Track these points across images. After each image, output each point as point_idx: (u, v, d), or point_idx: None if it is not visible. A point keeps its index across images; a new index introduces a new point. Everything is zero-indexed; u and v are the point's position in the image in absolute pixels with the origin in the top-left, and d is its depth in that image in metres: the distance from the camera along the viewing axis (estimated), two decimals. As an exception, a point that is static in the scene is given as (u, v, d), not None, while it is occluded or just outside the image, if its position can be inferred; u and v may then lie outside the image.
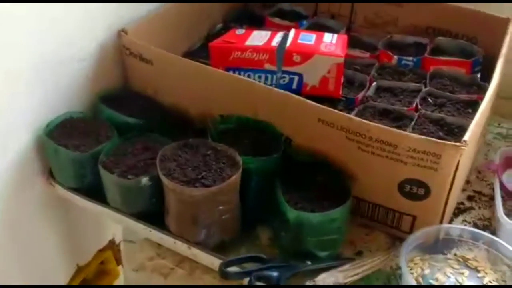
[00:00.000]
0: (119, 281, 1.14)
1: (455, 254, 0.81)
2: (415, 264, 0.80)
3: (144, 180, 0.79)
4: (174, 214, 0.78)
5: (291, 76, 0.91)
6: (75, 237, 1.03)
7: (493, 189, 0.89)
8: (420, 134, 0.82)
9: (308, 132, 0.81)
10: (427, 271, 0.78)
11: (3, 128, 0.83)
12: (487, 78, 0.89)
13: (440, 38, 1.04)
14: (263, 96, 0.83)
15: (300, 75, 0.91)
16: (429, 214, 0.79)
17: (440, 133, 0.84)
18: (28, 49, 0.83)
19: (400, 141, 0.74)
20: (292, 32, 0.94)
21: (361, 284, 0.76)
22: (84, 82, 0.93)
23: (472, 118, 0.77)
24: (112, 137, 0.86)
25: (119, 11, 0.96)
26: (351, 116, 0.77)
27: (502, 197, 0.87)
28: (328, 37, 0.93)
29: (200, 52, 1.06)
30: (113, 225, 1.10)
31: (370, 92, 0.94)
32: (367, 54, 1.04)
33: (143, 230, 0.82)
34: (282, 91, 0.82)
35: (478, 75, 0.96)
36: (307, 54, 0.89)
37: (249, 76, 0.92)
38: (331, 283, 0.72)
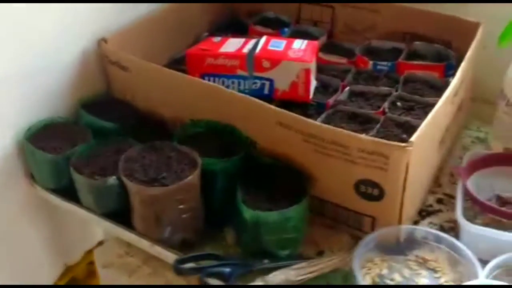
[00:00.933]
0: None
1: (416, 256, 0.82)
2: (374, 264, 0.81)
3: (111, 180, 0.82)
4: (138, 213, 0.82)
5: (263, 81, 0.94)
6: (62, 237, 1.08)
7: (463, 192, 0.90)
8: (383, 136, 0.84)
9: (269, 135, 0.84)
10: (384, 271, 0.80)
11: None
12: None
13: (417, 43, 1.05)
14: (227, 100, 0.86)
15: (271, 81, 0.93)
16: (387, 215, 0.80)
17: (404, 136, 0.85)
18: (8, 56, 0.88)
19: (350, 142, 0.76)
20: (263, 39, 0.97)
21: (311, 284, 0.77)
22: (67, 88, 0.98)
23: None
24: (87, 141, 0.90)
25: (104, 20, 1.01)
26: (306, 119, 0.79)
27: (467, 200, 0.88)
28: (297, 44, 0.96)
29: (185, 59, 1.09)
30: (102, 226, 1.14)
31: (343, 96, 0.96)
32: (345, 60, 1.06)
33: (111, 228, 0.85)
34: (242, 95, 0.85)
35: (451, 79, 0.97)
36: (275, 60, 0.92)
37: (223, 82, 0.95)
38: (281, 281, 0.74)
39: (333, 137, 0.77)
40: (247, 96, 0.84)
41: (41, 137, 0.92)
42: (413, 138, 0.73)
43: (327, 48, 1.10)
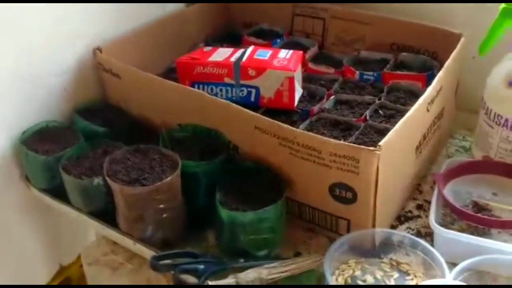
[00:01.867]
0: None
1: (391, 259, 0.84)
2: (348, 266, 0.83)
3: (96, 180, 0.86)
4: (121, 213, 0.85)
5: (249, 89, 0.97)
6: (57, 238, 1.12)
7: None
8: (361, 142, 0.86)
9: (249, 139, 0.87)
10: (357, 273, 0.82)
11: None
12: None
13: (404, 54, 1.08)
14: (211, 106, 0.90)
15: (257, 88, 0.97)
16: (360, 218, 0.82)
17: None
18: (6, 62, 0.93)
19: (322, 146, 0.78)
20: (250, 49, 1.01)
21: (284, 284, 0.80)
22: (63, 94, 1.03)
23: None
24: (78, 144, 0.94)
25: (101, 29, 1.06)
26: (280, 123, 0.82)
27: (444, 206, 0.90)
28: (283, 53, 0.99)
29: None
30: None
31: (328, 105, 0.99)
32: (333, 70, 1.09)
33: (98, 227, 0.89)
34: (223, 101, 0.88)
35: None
36: (260, 69, 0.95)
37: (211, 89, 0.99)
38: (253, 279, 0.76)
39: (305, 141, 0.79)
40: (228, 102, 0.87)
41: (36, 140, 0.96)
42: (381, 142, 0.75)
43: (317, 58, 1.14)
